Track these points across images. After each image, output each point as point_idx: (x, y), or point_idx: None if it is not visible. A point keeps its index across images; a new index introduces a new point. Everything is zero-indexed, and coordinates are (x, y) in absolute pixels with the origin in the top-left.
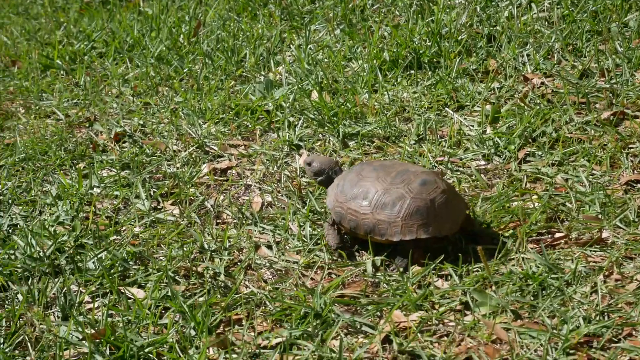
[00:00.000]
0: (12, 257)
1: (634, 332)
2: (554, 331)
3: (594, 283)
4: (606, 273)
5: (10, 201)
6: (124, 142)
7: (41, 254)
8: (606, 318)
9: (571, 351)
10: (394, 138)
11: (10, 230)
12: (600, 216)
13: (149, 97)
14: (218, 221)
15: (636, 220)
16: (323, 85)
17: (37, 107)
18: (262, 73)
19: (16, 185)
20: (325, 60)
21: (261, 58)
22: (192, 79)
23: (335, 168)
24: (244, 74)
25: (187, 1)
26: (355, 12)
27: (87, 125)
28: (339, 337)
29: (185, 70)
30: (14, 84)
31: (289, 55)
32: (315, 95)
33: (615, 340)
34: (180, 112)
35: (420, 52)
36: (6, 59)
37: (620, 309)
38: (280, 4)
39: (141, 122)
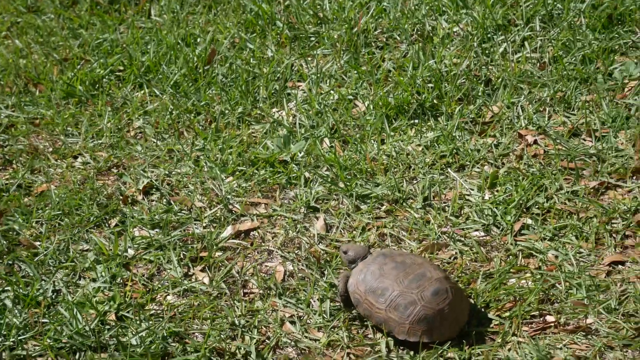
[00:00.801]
0: (59, 328)
1: None
2: None
3: None
4: None
5: (51, 264)
6: (152, 193)
7: (87, 328)
8: None
9: None
10: (401, 201)
11: (54, 296)
12: (586, 301)
13: (172, 143)
14: (245, 290)
15: (617, 307)
16: (335, 135)
17: (63, 147)
18: (275, 110)
19: (55, 246)
20: (334, 99)
21: (273, 92)
22: (209, 115)
23: (365, 254)
24: (259, 113)
25: (196, 15)
26: (359, 37)
27: (115, 172)
28: None
29: (202, 104)
30: (36, 112)
31: (301, 90)
32: (326, 143)
33: None
34: (203, 163)
35: (423, 95)
36: (25, 79)
37: None
38: (287, 21)
39: (166, 172)
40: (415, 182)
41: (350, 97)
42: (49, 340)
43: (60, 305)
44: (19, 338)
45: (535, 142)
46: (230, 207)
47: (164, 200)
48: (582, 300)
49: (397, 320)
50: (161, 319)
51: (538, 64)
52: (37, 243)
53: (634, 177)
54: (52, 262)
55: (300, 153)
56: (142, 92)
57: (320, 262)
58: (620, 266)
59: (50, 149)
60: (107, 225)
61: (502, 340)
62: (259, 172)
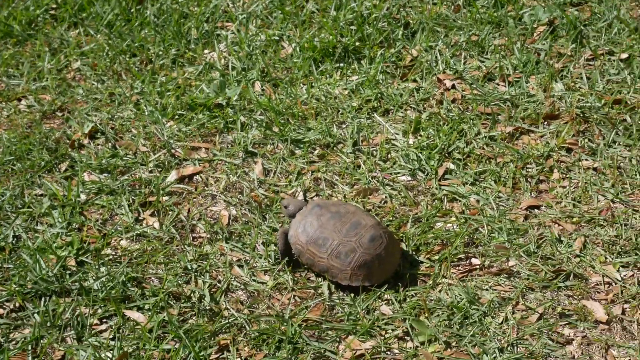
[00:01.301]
0: (23, 274)
1: None
2: None
3: (505, 315)
4: (514, 303)
5: (8, 209)
6: (97, 137)
7: (49, 273)
8: (515, 350)
9: None
10: (332, 146)
11: (14, 242)
12: (507, 244)
13: (112, 86)
14: (193, 235)
15: (536, 250)
16: (266, 78)
17: (7, 89)
18: (207, 51)
19: (10, 191)
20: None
21: (204, 33)
22: (145, 56)
23: (302, 207)
24: (192, 55)
25: None
26: None
27: (60, 115)
28: None
29: (136, 45)
30: None
31: (230, 31)
32: (258, 86)
33: None
34: (143, 107)
35: (346, 38)
36: None
37: (526, 339)
38: None
39: (109, 115)
40: (344, 126)
41: (277, 37)
42: (14, 286)
43: (22, 250)
44: None
45: (453, 86)
46: (173, 151)
47: (109, 144)
48: (503, 244)
49: (340, 267)
50: (118, 264)
51: (453, 7)
52: None
53: (545, 123)
54: (9, 207)
55: (234, 97)
56: (77, 31)
57: (262, 207)
58: (536, 210)
59: None
60: (57, 169)
61: (433, 282)
62: (197, 116)
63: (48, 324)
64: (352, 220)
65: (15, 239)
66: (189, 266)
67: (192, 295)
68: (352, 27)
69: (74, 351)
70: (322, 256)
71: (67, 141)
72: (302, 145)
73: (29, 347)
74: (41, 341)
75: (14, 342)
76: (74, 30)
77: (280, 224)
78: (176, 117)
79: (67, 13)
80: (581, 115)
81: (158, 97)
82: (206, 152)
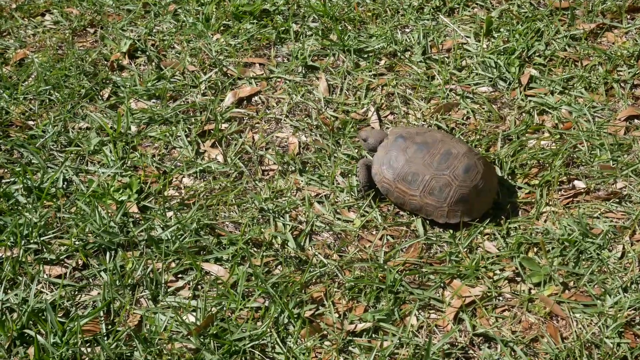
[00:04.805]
0: (81, 224)
1: None
2: (602, 307)
3: (623, 247)
4: (630, 233)
5: (53, 148)
6: (137, 57)
7: (111, 223)
8: None
9: (621, 330)
10: (400, 54)
11: (65, 187)
12: (612, 163)
13: None
14: (263, 167)
15: None
16: None
17: (27, 2)
18: None
19: (52, 126)
20: None
21: None
22: None
23: (383, 139)
24: None
25: None
26: None
27: (91, 32)
28: (415, 315)
29: None
30: None
31: None
32: None
33: None
34: (183, 17)
35: None
36: None
37: None
38: None
39: (147, 30)
40: (408, 30)
41: None
42: (74, 240)
43: (76, 197)
44: (41, 239)
45: None
46: (225, 69)
47: (153, 64)
48: (608, 163)
49: (435, 205)
50: (186, 208)
51: None
52: (31, 122)
53: (629, 17)
54: (54, 146)
55: (282, 1)
56: None
57: (334, 130)
58: (636, 120)
59: (14, 6)
60: (100, 97)
61: (537, 211)
62: (245, 26)
63: (118, 284)
64: (442, 150)
65: (66, 183)
66: (264, 207)
67: (273, 241)
68: None
69: (152, 315)
70: (414, 193)
71: (106, 62)
72: (366, 56)
73: (100, 313)
74: (112, 305)
75: (81, 308)
76: None
77: (357, 150)
78: (221, 28)
79: None
80: None
81: (197, 5)
82: (261, 69)
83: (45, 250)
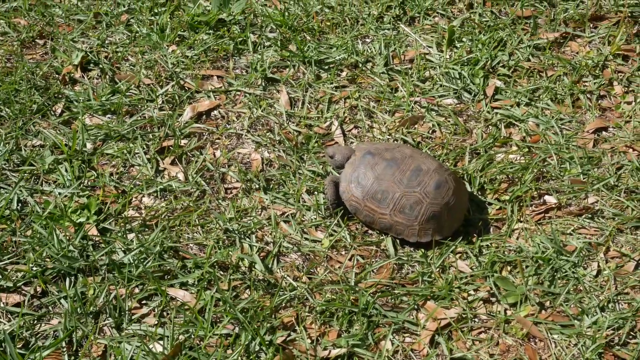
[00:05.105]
0: (37, 248)
1: None
2: (580, 327)
3: (598, 264)
4: (604, 250)
5: (5, 167)
6: (90, 69)
7: (71, 247)
8: (618, 307)
9: (601, 351)
10: (361, 65)
11: (20, 208)
12: (582, 177)
13: (94, 3)
14: (225, 185)
15: (617, 183)
16: None
17: None
18: None
19: (4, 143)
20: None
21: None
22: None
23: (350, 155)
24: None
25: None
26: None
27: (41, 43)
28: (390, 339)
29: None
30: None
31: None
32: None
33: (633, 334)
34: (137, 28)
35: None
36: None
37: (627, 293)
38: None
39: (99, 41)
40: (368, 40)
41: None
42: (31, 266)
43: (32, 219)
44: None
45: None
46: (182, 82)
47: (107, 77)
48: (578, 177)
49: (405, 223)
50: (147, 229)
51: None
52: None
53: (592, 26)
54: (6, 164)
55: (239, 11)
56: None
57: (297, 146)
58: (604, 133)
59: None
60: (52, 112)
61: (509, 227)
62: (200, 36)
63: (79, 312)
64: (412, 166)
65: (20, 205)
66: (229, 227)
67: (240, 263)
68: None
69: (117, 344)
70: (384, 212)
71: (57, 76)
72: (327, 67)
73: (63, 344)
74: (75, 334)
75: (42, 338)
76: None
77: (322, 166)
78: (177, 39)
79: None
80: (630, 15)
81: (150, 15)
82: (220, 82)
83: (1, 277)
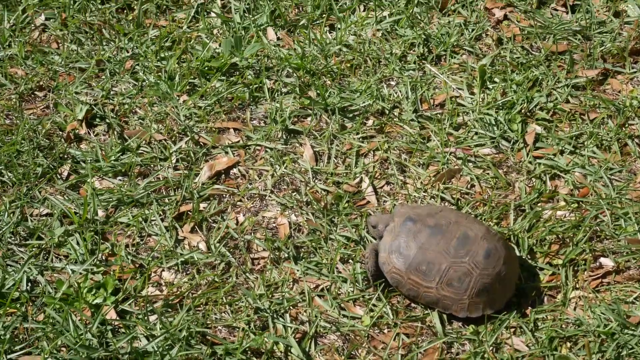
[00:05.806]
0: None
1: None
2: None
3: None
4: None
5: (11, 241)
6: (96, 124)
7: (88, 334)
8: None
9: None
10: (388, 112)
11: (29, 288)
12: None
13: (96, 50)
14: (252, 256)
15: None
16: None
17: None
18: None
19: (9, 213)
20: None
21: None
22: None
23: (389, 222)
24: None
25: None
26: None
27: (41, 96)
28: None
29: None
30: None
31: None
32: (271, 33)
33: None
34: (143, 76)
35: None
36: None
37: None
38: None
39: (104, 92)
40: (393, 83)
41: None
42: (46, 357)
43: (44, 302)
44: (8, 357)
45: (505, 17)
46: (197, 137)
47: (115, 133)
48: (635, 237)
49: (454, 297)
50: (170, 310)
51: None
52: None
53: (633, 60)
54: (12, 238)
55: (252, 54)
56: None
57: (327, 207)
58: None
59: None
60: (58, 176)
61: (564, 297)
62: (213, 84)
63: None
64: (458, 233)
65: (30, 285)
66: (260, 305)
67: (274, 347)
68: None
69: None
70: (430, 285)
71: (61, 133)
72: (351, 115)
73: None
74: None
75: None
76: None
77: (355, 230)
78: (187, 88)
79: None
80: None
81: (157, 61)
82: (237, 135)
83: None
